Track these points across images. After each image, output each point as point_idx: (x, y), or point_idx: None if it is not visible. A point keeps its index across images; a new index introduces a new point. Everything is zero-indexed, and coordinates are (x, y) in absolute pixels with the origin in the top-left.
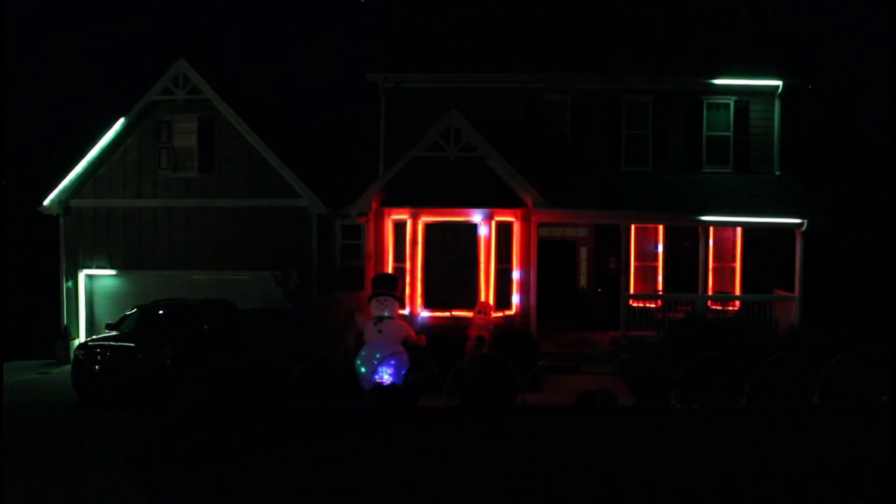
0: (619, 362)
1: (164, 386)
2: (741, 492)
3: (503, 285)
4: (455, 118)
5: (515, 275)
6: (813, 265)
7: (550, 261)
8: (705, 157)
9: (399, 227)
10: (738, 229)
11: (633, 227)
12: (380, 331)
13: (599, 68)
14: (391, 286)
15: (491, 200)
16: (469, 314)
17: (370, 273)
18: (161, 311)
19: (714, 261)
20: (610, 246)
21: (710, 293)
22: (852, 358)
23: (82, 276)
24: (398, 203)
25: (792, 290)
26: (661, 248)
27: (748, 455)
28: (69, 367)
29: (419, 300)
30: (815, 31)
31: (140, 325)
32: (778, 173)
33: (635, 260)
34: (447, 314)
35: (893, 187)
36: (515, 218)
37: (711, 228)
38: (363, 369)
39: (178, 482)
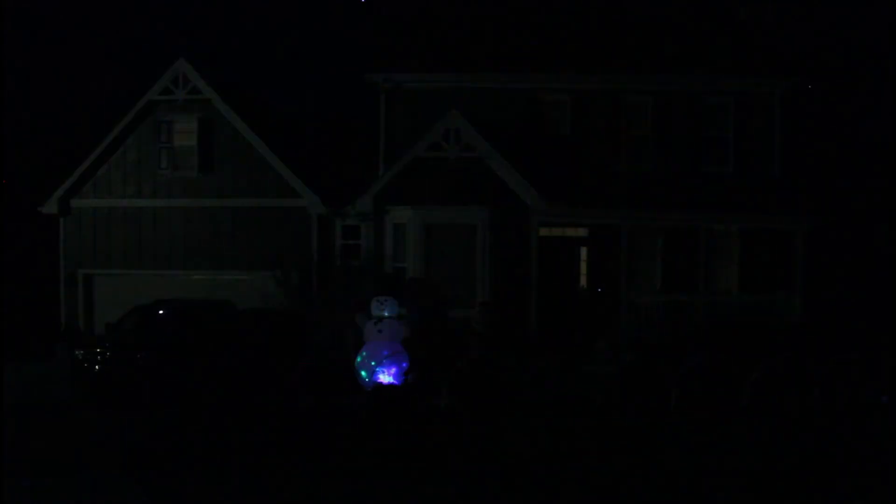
0: (620, 362)
1: (164, 386)
2: (742, 492)
3: (503, 285)
4: (455, 118)
5: (515, 275)
6: (813, 265)
7: (550, 261)
8: (705, 157)
9: (399, 227)
10: (738, 229)
11: (632, 227)
12: (380, 331)
13: (599, 68)
14: (391, 286)
15: (491, 200)
16: (469, 314)
17: (370, 273)
18: (161, 311)
19: (714, 261)
20: (610, 246)
21: (710, 293)
22: (852, 358)
23: (82, 276)
24: (398, 203)
25: (792, 291)
26: (660, 249)
27: (748, 455)
28: (69, 367)
29: (420, 300)
30: (815, 31)
31: (140, 325)
32: (778, 173)
33: (635, 260)
34: (447, 314)
35: (893, 187)
36: (515, 218)
37: (711, 228)
38: (363, 369)
39: (178, 482)
